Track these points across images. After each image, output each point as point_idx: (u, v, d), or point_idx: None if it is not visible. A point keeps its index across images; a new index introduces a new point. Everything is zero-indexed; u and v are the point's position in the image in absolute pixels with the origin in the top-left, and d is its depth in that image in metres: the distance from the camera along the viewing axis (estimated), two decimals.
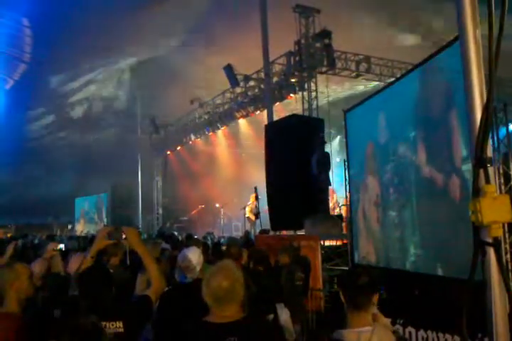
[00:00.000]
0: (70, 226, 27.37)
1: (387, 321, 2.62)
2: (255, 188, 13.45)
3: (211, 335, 2.40)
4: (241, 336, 2.37)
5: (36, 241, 12.45)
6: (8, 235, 17.44)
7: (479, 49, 1.74)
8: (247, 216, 16.00)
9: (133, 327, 2.96)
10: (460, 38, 1.77)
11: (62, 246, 6.47)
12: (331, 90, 15.98)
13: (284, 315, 4.25)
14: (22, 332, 2.89)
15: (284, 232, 10.88)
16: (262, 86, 17.06)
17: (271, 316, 4.07)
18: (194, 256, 3.95)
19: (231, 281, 2.48)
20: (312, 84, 15.41)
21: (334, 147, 19.99)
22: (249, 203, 15.69)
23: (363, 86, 18.72)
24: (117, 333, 2.86)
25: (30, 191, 24.40)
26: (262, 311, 3.83)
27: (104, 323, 2.86)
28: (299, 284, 6.59)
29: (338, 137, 21.06)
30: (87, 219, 27.91)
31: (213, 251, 7.41)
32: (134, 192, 25.45)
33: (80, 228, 27.33)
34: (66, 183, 26.07)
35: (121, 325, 2.88)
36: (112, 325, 2.87)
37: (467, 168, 4.86)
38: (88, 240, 12.84)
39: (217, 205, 20.33)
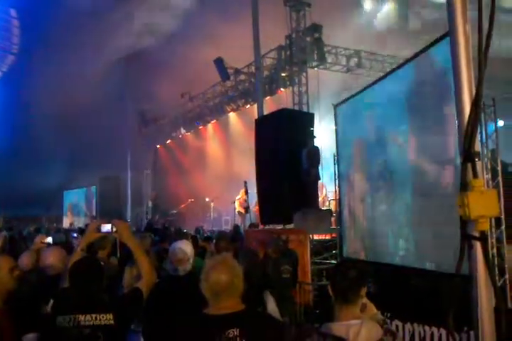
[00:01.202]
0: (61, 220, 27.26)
1: (377, 311, 2.64)
2: (245, 182, 13.45)
3: (212, 327, 2.40)
4: (242, 327, 2.37)
5: (25, 234, 12.36)
6: None
7: (469, 45, 1.75)
8: (237, 210, 16.01)
9: (124, 320, 2.97)
10: (450, 33, 1.78)
11: (50, 239, 6.44)
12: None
13: (270, 303, 4.26)
14: (2, 325, 2.85)
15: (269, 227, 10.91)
16: (253, 80, 17.03)
17: (260, 308, 4.08)
18: (187, 248, 3.98)
19: (230, 276, 2.47)
20: (303, 79, 15.40)
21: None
22: (238, 197, 15.69)
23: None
24: (108, 325, 2.86)
25: (18, 183, 24.17)
26: (252, 303, 3.84)
27: (94, 315, 2.87)
28: (287, 277, 6.62)
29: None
30: (76, 212, 27.77)
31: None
32: (124, 186, 25.36)
33: (69, 221, 27.20)
34: (55, 176, 25.85)
35: (111, 317, 2.88)
36: (103, 317, 2.87)
37: (458, 162, 4.88)
38: (78, 233, 12.79)
39: (207, 199, 20.29)
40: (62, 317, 2.87)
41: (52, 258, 4.06)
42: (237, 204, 15.85)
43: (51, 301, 3.45)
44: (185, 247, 3.96)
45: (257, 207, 12.69)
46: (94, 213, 25.28)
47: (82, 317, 2.85)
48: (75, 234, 11.90)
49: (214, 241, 7.02)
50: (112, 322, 2.87)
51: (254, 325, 2.44)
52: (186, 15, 19.59)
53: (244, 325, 2.39)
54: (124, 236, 3.41)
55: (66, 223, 26.72)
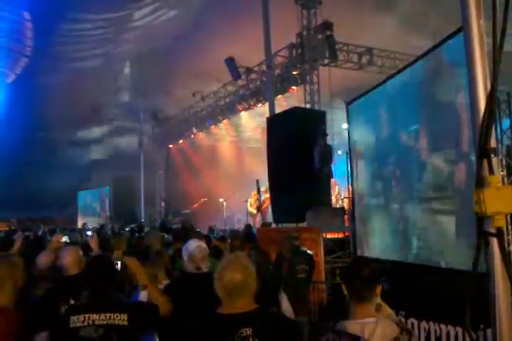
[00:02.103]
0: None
1: (392, 312, 2.63)
2: (257, 181, 13.46)
3: (225, 326, 2.40)
4: (255, 326, 2.37)
5: (40, 234, 12.51)
6: (12, 228, 17.50)
7: (483, 39, 1.73)
8: (249, 211, 16.03)
9: (138, 322, 2.94)
10: (463, 29, 1.76)
11: (66, 238, 6.54)
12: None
13: (284, 303, 4.26)
14: (14, 324, 2.87)
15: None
16: (264, 78, 17.01)
17: (275, 308, 4.09)
18: (204, 244, 4.06)
19: (244, 275, 2.47)
20: (314, 77, 15.36)
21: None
22: (250, 199, 15.67)
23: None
24: (121, 326, 2.86)
25: (32, 185, 24.40)
26: (266, 303, 3.84)
27: (109, 315, 2.87)
28: (302, 276, 6.61)
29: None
30: (90, 213, 27.98)
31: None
32: (137, 186, 25.51)
33: (82, 221, 27.41)
34: (69, 177, 26.07)
35: (125, 318, 2.88)
36: (117, 316, 2.87)
37: (474, 158, 4.84)
38: (93, 232, 12.90)
39: (220, 200, 20.35)
40: (76, 316, 2.87)
41: (69, 258, 4.10)
42: (248, 205, 15.86)
43: (71, 301, 3.50)
44: (203, 244, 4.03)
45: (268, 206, 12.70)
46: (108, 213, 25.45)
47: (96, 316, 2.85)
48: (89, 233, 12.00)
49: (228, 240, 7.03)
50: (125, 323, 2.86)
51: (267, 325, 2.43)
52: (197, 15, 19.64)
53: (257, 324, 2.39)
54: (134, 271, 3.52)
55: (80, 224, 26.94)
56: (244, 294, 2.46)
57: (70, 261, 4.07)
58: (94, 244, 5.46)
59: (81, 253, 4.28)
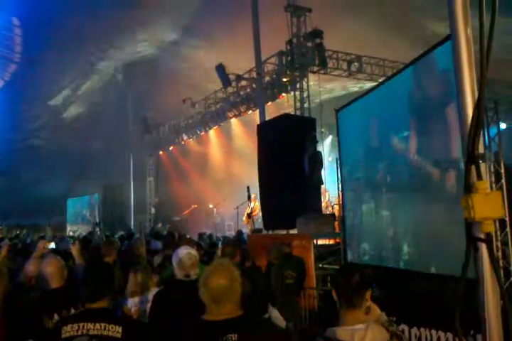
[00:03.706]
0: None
1: (382, 313, 2.63)
2: (248, 188, 13.43)
3: (210, 333, 2.38)
4: (240, 332, 2.36)
5: (28, 242, 12.39)
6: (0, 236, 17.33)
7: (471, 47, 1.76)
8: (244, 221, 16.00)
9: (131, 339, 2.87)
10: (452, 37, 1.78)
11: (52, 244, 6.44)
12: (322, 89, 16.00)
13: (273, 313, 4.27)
14: None
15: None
16: (254, 85, 17.07)
17: (266, 315, 4.09)
18: (194, 252, 4.04)
19: (229, 280, 2.48)
20: (304, 84, 15.43)
21: (326, 146, 20.01)
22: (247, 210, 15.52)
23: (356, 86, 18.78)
24: (115, 338, 2.80)
25: (22, 192, 24.23)
26: (257, 310, 3.84)
27: (103, 325, 2.82)
28: (290, 282, 6.60)
29: (330, 136, 21.08)
30: (79, 220, 27.78)
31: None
32: (126, 193, 25.38)
33: (72, 229, 27.20)
34: (58, 184, 25.91)
35: (119, 330, 2.82)
36: (112, 327, 2.83)
37: (462, 165, 4.87)
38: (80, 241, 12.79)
39: (210, 206, 20.29)
40: (70, 325, 2.82)
41: (50, 268, 3.96)
42: (244, 218, 15.80)
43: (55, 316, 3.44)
44: (193, 251, 4.02)
45: (258, 213, 12.68)
46: (97, 220, 25.28)
47: (91, 325, 2.81)
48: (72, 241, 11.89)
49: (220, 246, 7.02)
50: (119, 335, 2.81)
51: (252, 330, 2.43)
52: (188, 22, 19.69)
53: (243, 329, 2.39)
54: None
55: (69, 231, 26.72)
56: (229, 299, 2.46)
57: (51, 271, 3.96)
58: (75, 252, 5.34)
59: (63, 263, 4.16)
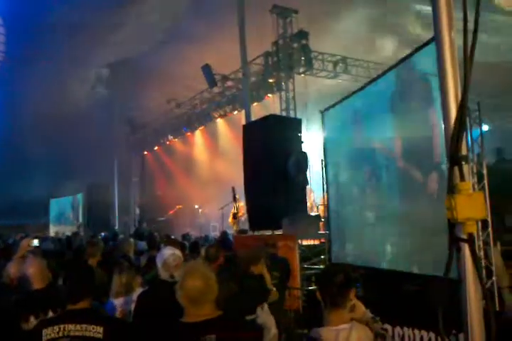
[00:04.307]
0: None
1: (366, 310, 2.65)
2: (233, 188, 13.41)
3: (188, 334, 2.39)
4: (219, 333, 2.37)
5: (10, 242, 12.23)
6: None
7: (454, 50, 1.78)
8: (230, 222, 15.94)
9: (112, 339, 2.86)
10: (436, 39, 1.80)
11: (36, 241, 6.28)
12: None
13: (263, 315, 4.26)
14: None
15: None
16: (240, 86, 17.07)
17: (252, 316, 4.08)
18: (179, 252, 4.03)
19: (204, 280, 2.49)
20: (290, 85, 15.48)
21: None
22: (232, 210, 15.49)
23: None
24: (96, 338, 2.79)
25: (4, 192, 23.92)
26: (243, 311, 3.83)
27: (84, 326, 2.80)
28: (275, 283, 6.59)
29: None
30: (63, 220, 27.48)
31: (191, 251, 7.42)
32: (111, 193, 25.18)
33: (55, 229, 26.89)
34: (41, 184, 25.59)
35: (100, 331, 2.81)
36: (93, 328, 2.81)
37: (446, 166, 4.93)
38: (64, 241, 12.68)
39: (196, 206, 20.23)
40: (50, 328, 2.79)
41: (32, 269, 3.89)
42: (230, 219, 15.74)
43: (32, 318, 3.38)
44: (177, 252, 4.01)
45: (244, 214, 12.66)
46: (80, 221, 25.02)
47: (71, 327, 2.79)
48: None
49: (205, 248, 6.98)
50: (100, 336, 2.79)
51: (231, 330, 2.44)
52: (174, 22, 19.62)
53: (221, 330, 2.40)
54: None
55: (52, 231, 26.42)
56: (206, 300, 2.47)
57: (33, 272, 3.90)
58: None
59: (45, 264, 4.08)
